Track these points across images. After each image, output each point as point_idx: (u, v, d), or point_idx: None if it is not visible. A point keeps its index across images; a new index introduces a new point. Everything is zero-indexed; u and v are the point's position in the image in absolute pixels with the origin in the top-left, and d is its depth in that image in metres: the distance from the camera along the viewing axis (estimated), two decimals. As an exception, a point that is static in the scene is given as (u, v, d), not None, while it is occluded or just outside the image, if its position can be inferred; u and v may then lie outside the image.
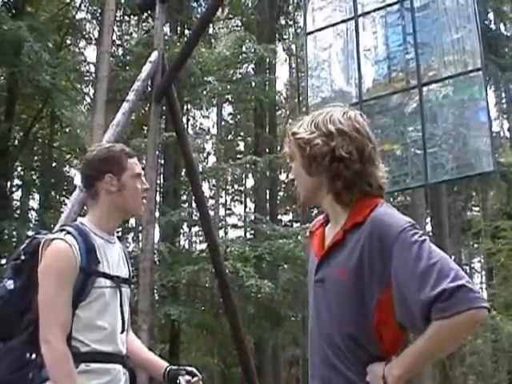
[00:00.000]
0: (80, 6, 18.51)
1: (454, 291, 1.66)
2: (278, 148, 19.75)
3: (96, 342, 2.42)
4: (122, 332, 2.55)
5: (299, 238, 14.39)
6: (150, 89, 8.31)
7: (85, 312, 2.41)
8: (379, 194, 2.00)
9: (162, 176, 19.95)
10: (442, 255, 1.76)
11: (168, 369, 2.72)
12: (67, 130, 18.53)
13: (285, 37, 22.12)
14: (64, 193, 19.09)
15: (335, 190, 1.96)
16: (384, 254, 1.80)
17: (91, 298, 2.42)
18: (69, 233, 2.45)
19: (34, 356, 2.39)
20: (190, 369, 2.71)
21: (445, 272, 1.70)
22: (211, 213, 19.90)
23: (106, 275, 2.49)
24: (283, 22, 22.16)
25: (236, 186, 26.72)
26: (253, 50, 17.02)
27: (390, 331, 1.86)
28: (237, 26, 21.44)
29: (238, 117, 26.11)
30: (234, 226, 24.07)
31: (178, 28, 19.17)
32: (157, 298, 15.71)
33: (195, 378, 2.67)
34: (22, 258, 2.52)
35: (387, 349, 1.86)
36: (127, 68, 17.67)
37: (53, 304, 2.35)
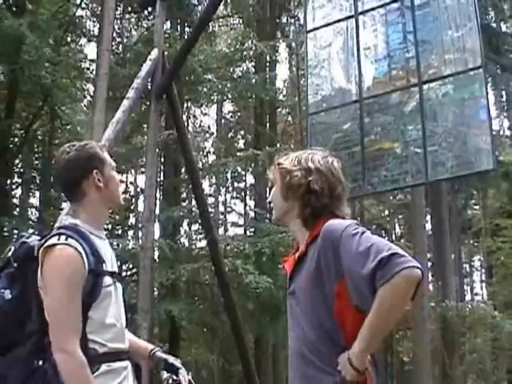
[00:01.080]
0: (80, 3, 18.50)
1: (389, 258, 1.96)
2: (278, 145, 19.74)
3: (111, 341, 2.41)
4: (126, 326, 2.56)
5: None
6: (150, 86, 8.30)
7: (97, 312, 2.39)
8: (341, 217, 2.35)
9: (162, 174, 19.95)
10: (379, 239, 2.09)
11: (153, 352, 2.74)
12: (67, 127, 18.51)
13: (285, 34, 22.07)
14: (64, 191, 19.09)
15: (304, 216, 2.34)
16: (335, 250, 2.13)
17: (101, 298, 2.40)
18: (70, 237, 2.39)
19: (41, 362, 2.34)
20: (172, 362, 2.70)
21: (381, 248, 2.01)
22: (211, 210, 19.92)
23: (109, 273, 2.48)
24: (284, 20, 22.13)
25: (236, 184, 26.72)
26: (253, 48, 17.01)
27: (350, 319, 2.12)
28: (237, 23, 21.43)
29: (238, 114, 26.11)
30: (234, 224, 24.11)
31: (179, 26, 19.15)
32: (156, 295, 15.73)
33: (181, 376, 2.66)
34: (15, 265, 2.45)
35: (352, 338, 2.07)
36: (127, 66, 17.65)
37: (67, 312, 2.31)
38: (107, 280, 2.45)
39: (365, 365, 2.05)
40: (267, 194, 21.33)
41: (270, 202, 2.62)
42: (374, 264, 1.97)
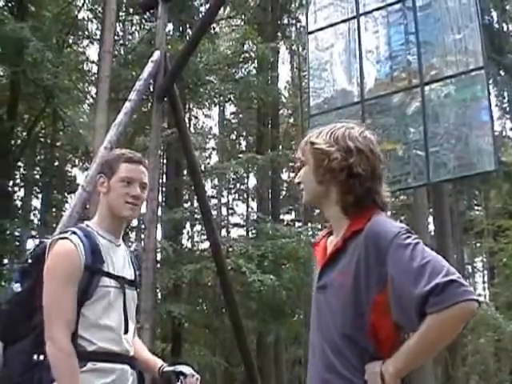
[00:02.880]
0: (82, 5, 18.52)
1: (447, 285, 1.76)
2: (281, 147, 19.74)
3: (102, 341, 2.44)
4: (126, 333, 2.56)
5: (301, 237, 14.39)
6: (152, 88, 8.31)
7: (90, 311, 2.43)
8: (381, 208, 2.14)
9: (164, 175, 19.96)
10: (434, 255, 1.86)
11: (162, 369, 2.75)
12: (69, 129, 18.52)
13: (287, 36, 22.09)
14: (66, 192, 19.12)
15: (345, 203, 2.08)
16: (380, 257, 1.91)
17: (96, 297, 2.45)
18: (74, 233, 2.49)
19: (41, 357, 2.40)
20: (180, 370, 2.71)
21: (437, 269, 1.80)
22: (213, 212, 19.92)
23: (110, 275, 2.51)
24: (286, 22, 22.13)
25: (238, 185, 26.73)
26: (254, 49, 17.01)
27: (385, 331, 1.95)
28: (239, 25, 21.44)
29: (240, 116, 26.11)
30: (237, 225, 24.09)
31: (181, 27, 19.17)
32: (159, 296, 15.74)
33: (190, 379, 2.67)
34: (30, 261, 2.56)
35: (384, 349, 1.94)
36: (129, 67, 17.67)
37: (58, 302, 2.37)
38: (106, 280, 2.49)
39: (397, 383, 1.89)
40: (269, 196, 21.35)
41: (298, 183, 2.21)
42: (428, 288, 1.76)
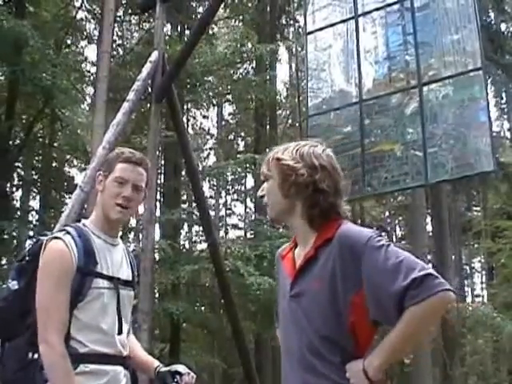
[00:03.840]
0: (81, 5, 18.51)
1: (423, 279, 1.91)
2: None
3: (95, 343, 2.42)
4: (119, 334, 2.54)
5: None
6: (150, 89, 8.30)
7: (83, 312, 2.42)
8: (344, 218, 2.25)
9: (162, 176, 19.95)
10: (407, 254, 2.02)
11: (158, 369, 2.73)
12: (68, 129, 18.52)
13: (285, 36, 22.09)
14: (64, 193, 19.10)
15: (311, 216, 2.18)
16: (355, 261, 2.02)
17: (89, 299, 2.43)
18: (68, 233, 2.47)
19: (35, 356, 2.40)
20: (175, 369, 2.69)
21: (412, 265, 1.95)
22: (211, 213, 19.91)
23: (103, 276, 2.49)
24: (284, 22, 22.13)
25: (236, 186, 26.72)
26: (253, 49, 17.01)
27: (363, 330, 2.06)
28: (237, 26, 21.42)
29: (239, 116, 26.11)
30: (235, 227, 24.08)
31: (179, 28, 19.17)
32: (157, 297, 15.73)
33: (186, 378, 2.66)
34: (27, 259, 2.54)
35: (362, 348, 2.06)
36: (127, 68, 17.66)
37: (50, 304, 2.36)
38: (99, 282, 2.47)
39: (380, 376, 2.00)
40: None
41: (261, 197, 2.30)
42: (406, 283, 1.91)
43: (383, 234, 2.11)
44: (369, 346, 2.07)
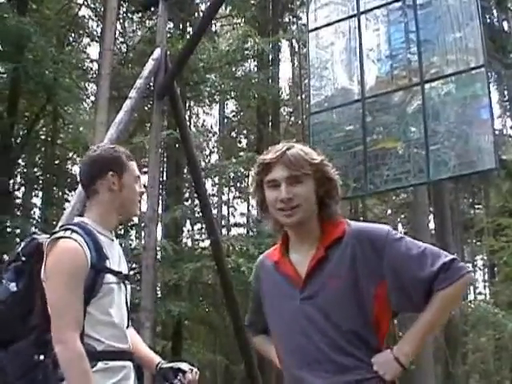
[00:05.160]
0: (83, 3, 18.52)
1: (451, 264, 2.06)
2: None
3: (110, 339, 2.43)
4: (127, 327, 2.57)
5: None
6: (152, 86, 8.30)
7: (96, 308, 2.42)
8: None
9: (164, 173, 19.95)
10: (425, 243, 2.15)
11: (159, 365, 2.72)
12: (70, 127, 18.52)
13: (288, 33, 22.04)
14: (66, 190, 19.11)
15: (325, 217, 2.21)
16: (377, 254, 2.08)
17: (101, 294, 2.43)
18: (74, 231, 2.46)
19: (42, 357, 2.38)
20: (178, 366, 2.68)
21: (436, 253, 2.10)
22: (214, 210, 19.92)
23: (113, 271, 2.51)
24: (287, 19, 22.10)
25: (239, 184, 26.69)
26: (255, 46, 16.98)
27: (385, 321, 2.13)
28: (239, 23, 21.40)
29: (241, 114, 26.08)
30: (236, 225, 24.05)
31: (181, 25, 19.15)
32: (159, 294, 15.74)
33: (189, 375, 2.64)
34: (23, 259, 2.51)
35: (382, 340, 2.12)
36: (130, 65, 17.66)
37: (67, 304, 2.34)
38: (109, 277, 2.48)
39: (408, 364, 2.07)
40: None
41: (289, 199, 2.13)
42: (436, 268, 2.04)
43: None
44: (384, 339, 2.13)
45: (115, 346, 2.44)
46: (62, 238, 2.43)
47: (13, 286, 2.48)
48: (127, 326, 2.58)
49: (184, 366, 2.67)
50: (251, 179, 2.28)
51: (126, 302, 2.59)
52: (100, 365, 2.37)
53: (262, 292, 2.36)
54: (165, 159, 19.72)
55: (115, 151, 2.66)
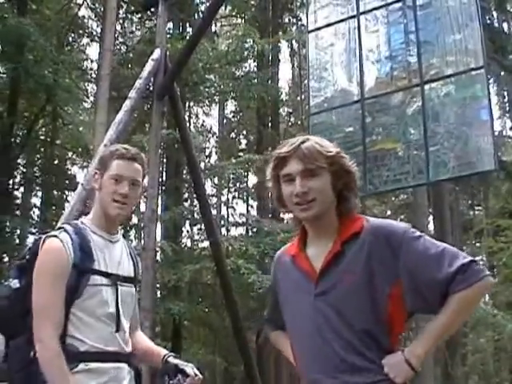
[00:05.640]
0: (83, 3, 18.52)
1: (469, 265, 1.97)
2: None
3: (95, 341, 2.42)
4: (117, 331, 2.52)
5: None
6: (152, 86, 8.30)
7: (80, 310, 2.42)
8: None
9: (164, 174, 19.94)
10: (443, 243, 2.06)
11: (166, 357, 2.67)
12: (70, 127, 18.53)
13: (288, 34, 22.05)
14: (66, 190, 19.11)
15: (344, 211, 2.17)
16: (393, 252, 2.02)
17: (86, 295, 2.42)
18: (64, 230, 2.48)
19: (36, 355, 2.39)
20: (183, 367, 2.62)
21: (454, 253, 2.01)
22: (213, 211, 19.90)
23: (101, 273, 2.49)
24: (286, 20, 22.11)
25: (238, 184, 26.67)
26: (255, 47, 16.98)
27: (399, 322, 2.07)
28: (239, 23, 21.41)
29: (241, 114, 26.07)
30: (235, 225, 24.04)
31: (181, 26, 19.15)
32: (159, 295, 15.73)
33: (192, 381, 2.59)
34: (27, 257, 2.54)
35: (394, 341, 2.05)
36: (129, 66, 17.65)
37: (44, 303, 2.36)
38: (97, 279, 2.46)
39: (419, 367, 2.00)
40: (269, 195, 21.31)
41: (304, 193, 2.08)
42: (453, 269, 1.96)
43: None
44: (397, 341, 2.07)
45: (100, 347, 2.43)
46: (50, 237, 2.45)
47: (15, 283, 2.50)
48: (118, 329, 2.51)
49: (189, 369, 2.60)
50: (268, 174, 2.21)
51: (117, 305, 2.52)
52: (81, 366, 2.37)
53: (278, 288, 2.32)
54: (164, 160, 19.71)
55: (106, 150, 2.69)
